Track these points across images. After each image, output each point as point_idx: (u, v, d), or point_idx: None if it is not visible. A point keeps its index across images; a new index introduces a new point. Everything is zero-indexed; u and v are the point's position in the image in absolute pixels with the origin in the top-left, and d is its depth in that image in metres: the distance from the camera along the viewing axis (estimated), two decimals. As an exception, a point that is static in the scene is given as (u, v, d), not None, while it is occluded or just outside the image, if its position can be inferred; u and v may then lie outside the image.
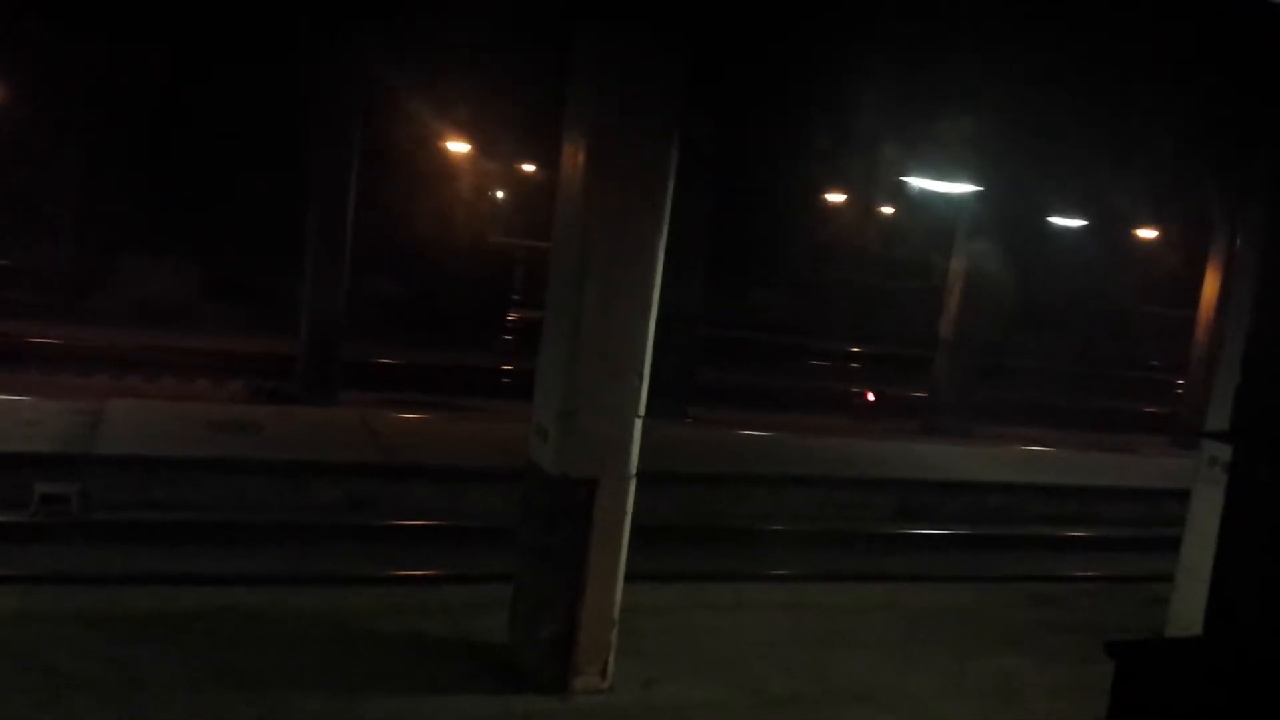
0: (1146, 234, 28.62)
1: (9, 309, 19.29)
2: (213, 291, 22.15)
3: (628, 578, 6.82)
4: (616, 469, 6.65)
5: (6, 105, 21.07)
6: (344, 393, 16.13)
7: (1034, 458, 17.23)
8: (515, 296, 26.26)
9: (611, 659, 6.81)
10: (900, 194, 23.12)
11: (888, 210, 30.59)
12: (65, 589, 7.90)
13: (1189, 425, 18.66)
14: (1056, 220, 24.51)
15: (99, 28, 16.66)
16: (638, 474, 6.74)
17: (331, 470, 11.73)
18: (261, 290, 21.02)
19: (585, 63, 6.63)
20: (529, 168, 30.06)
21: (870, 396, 21.37)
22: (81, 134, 21.58)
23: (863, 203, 30.08)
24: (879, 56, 9.55)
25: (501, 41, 12.84)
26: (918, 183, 17.82)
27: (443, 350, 20.75)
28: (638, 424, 6.68)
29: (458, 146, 23.63)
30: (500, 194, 31.61)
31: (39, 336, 17.86)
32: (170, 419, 12.84)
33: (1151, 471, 16.58)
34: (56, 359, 17.07)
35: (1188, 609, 7.92)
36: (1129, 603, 9.78)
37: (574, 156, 6.63)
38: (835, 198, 31.02)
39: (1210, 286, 20.39)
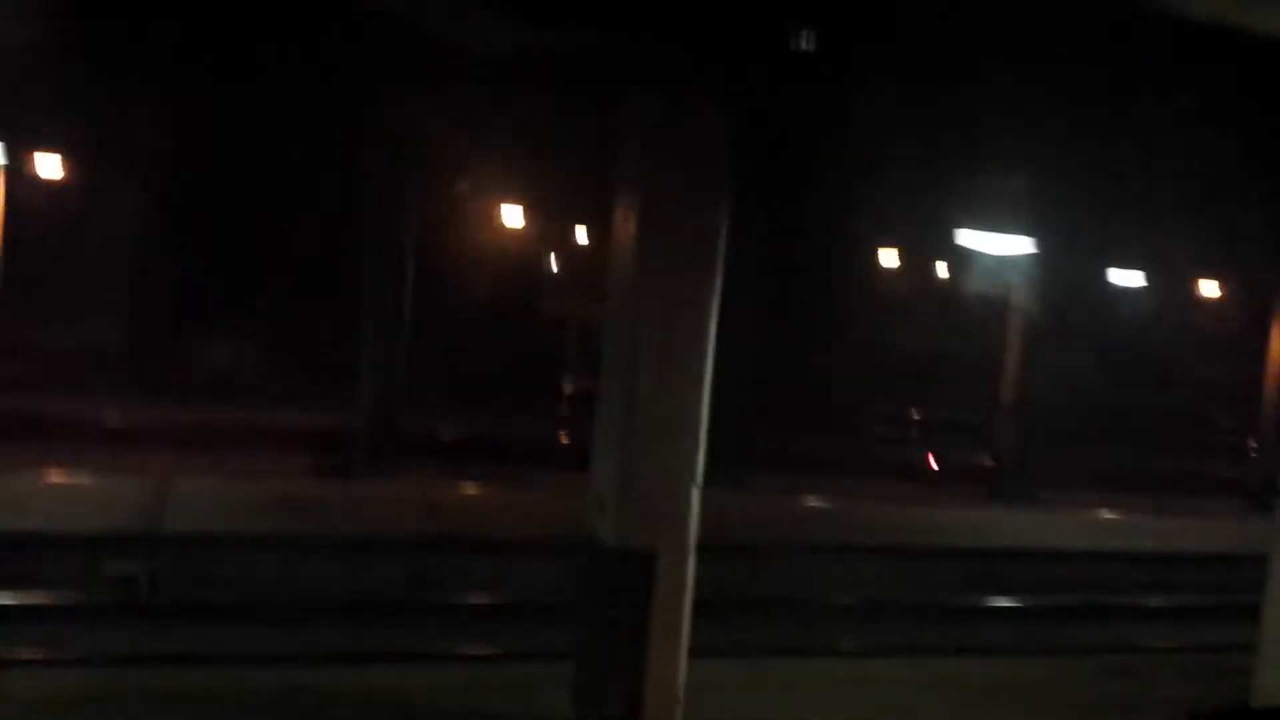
0: (1211, 291, 28.11)
1: (75, 389, 19.70)
2: (276, 368, 22.47)
3: (689, 653, 6.71)
4: (676, 539, 6.59)
5: (69, 184, 21.71)
6: (404, 465, 16.22)
7: (1103, 524, 16.84)
8: (570, 363, 26.36)
9: (677, 736, 6.70)
10: (958, 254, 23.00)
11: (945, 272, 30.35)
12: (134, 670, 7.96)
13: (1262, 486, 18.18)
14: (1116, 279, 24.19)
15: (160, 106, 17.18)
16: (698, 545, 6.67)
17: (392, 545, 11.77)
18: (325, 365, 21.31)
19: (636, 131, 6.69)
20: (583, 237, 30.34)
21: (932, 462, 21.08)
22: (143, 211, 22.12)
23: (921, 264, 29.91)
24: (934, 116, 9.56)
25: (554, 109, 13.05)
26: (974, 243, 17.70)
27: (500, 420, 20.83)
28: (696, 493, 6.63)
29: (512, 217, 23.93)
30: (555, 263, 31.87)
31: (106, 416, 18.20)
32: (235, 497, 12.99)
33: (1227, 535, 16.11)
34: (123, 438, 17.35)
35: (1272, 679, 7.64)
36: (1210, 673, 9.45)
37: (626, 223, 6.68)
38: (892, 259, 30.86)
39: (1277, 342, 19.98)
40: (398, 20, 9.59)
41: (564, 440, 20.24)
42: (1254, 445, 21.99)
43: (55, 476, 13.27)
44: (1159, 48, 7.23)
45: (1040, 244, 16.95)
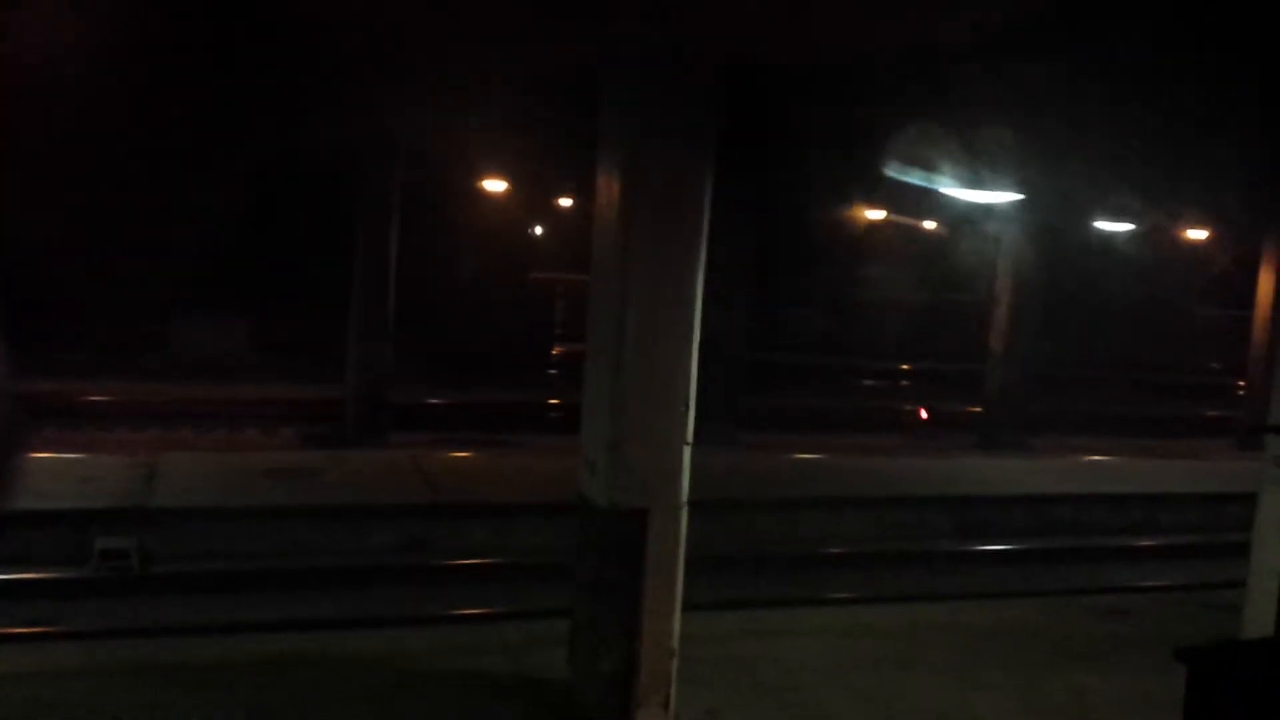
0: (1199, 235, 28.15)
1: (63, 367, 19.62)
2: (262, 344, 22.40)
3: (684, 607, 6.74)
4: (668, 498, 6.59)
5: (60, 164, 21.50)
6: (394, 434, 16.23)
7: (1094, 467, 16.94)
8: (558, 330, 26.37)
9: (673, 690, 6.72)
10: (942, 207, 22.95)
11: (930, 224, 30.35)
12: (127, 642, 7.98)
13: (1251, 426, 18.28)
14: (1104, 225, 24.18)
15: (148, 89, 17.02)
16: (690, 502, 6.68)
17: (384, 512, 11.79)
18: (309, 339, 21.26)
19: (617, 94, 6.63)
20: (566, 201, 30.25)
21: (923, 414, 21.15)
22: (130, 194, 21.95)
23: (903, 217, 29.88)
24: (916, 71, 9.49)
25: (534, 75, 12.93)
26: (959, 194, 17.65)
27: (489, 388, 20.83)
28: (687, 452, 6.62)
29: (495, 185, 23.83)
30: (539, 229, 31.79)
31: (93, 394, 18.15)
32: (224, 469, 12.98)
33: (1217, 475, 16.23)
34: (111, 415, 17.33)
35: (1261, 613, 7.70)
36: (1202, 611, 9.54)
37: (609, 187, 6.62)
38: (875, 213, 30.84)
39: (1266, 285, 20.03)
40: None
41: (554, 405, 20.26)
42: (1242, 385, 22.09)
43: (44, 454, 13.24)
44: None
45: (1027, 192, 16.90)
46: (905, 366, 27.24)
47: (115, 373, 19.99)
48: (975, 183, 16.47)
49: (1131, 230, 24.75)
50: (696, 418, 6.65)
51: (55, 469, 12.37)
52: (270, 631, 8.34)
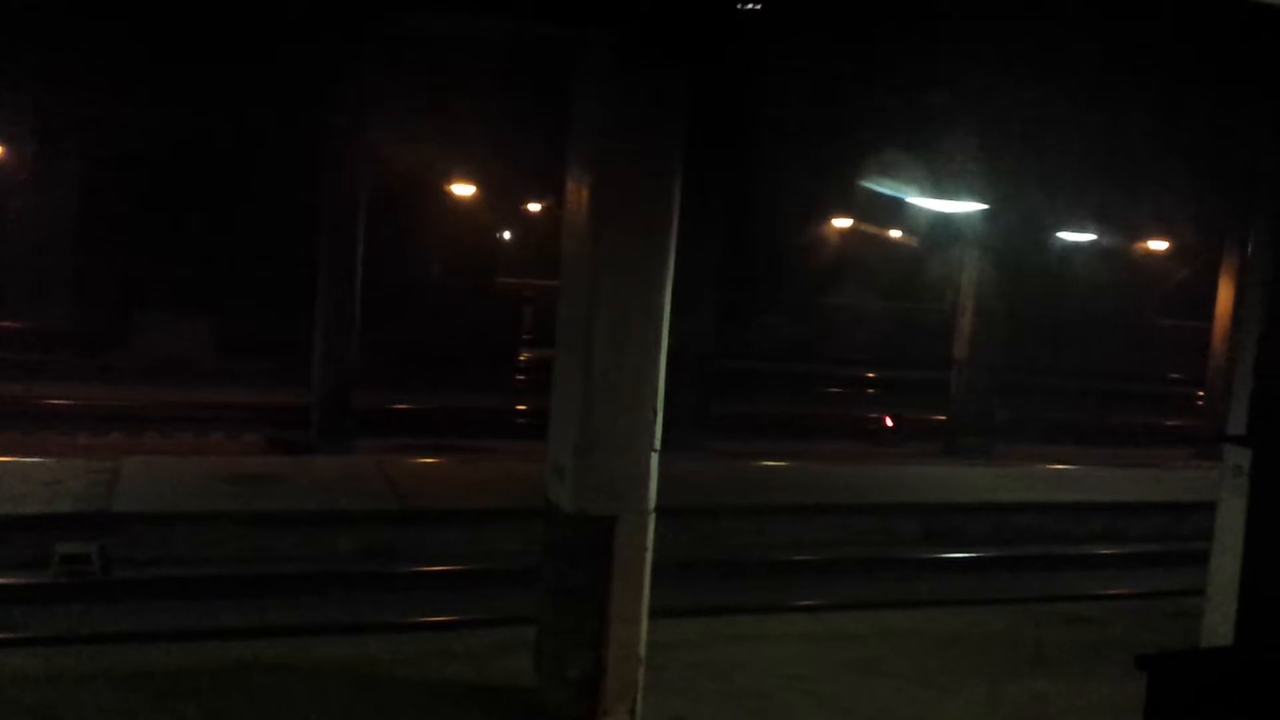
0: (1159, 246, 28.49)
1: (24, 370, 19.37)
2: (226, 347, 22.19)
3: (652, 613, 6.75)
4: (635, 504, 6.60)
5: (18, 165, 21.27)
6: (359, 440, 16.11)
7: (1057, 475, 17.09)
8: (526, 336, 26.30)
9: (640, 697, 6.73)
10: (908, 216, 23.10)
11: (897, 233, 30.55)
12: (89, 649, 7.87)
13: (1210, 435, 18.52)
14: (1067, 236, 24.41)
15: (110, 89, 16.88)
16: (657, 508, 6.68)
17: (349, 519, 11.71)
18: (275, 344, 21.06)
19: (586, 101, 6.65)
20: (535, 206, 30.23)
21: (888, 421, 21.27)
22: (92, 194, 21.73)
23: (870, 226, 30.07)
24: (878, 82, 9.56)
25: (505, 82, 12.94)
26: (924, 203, 17.78)
27: (456, 392, 20.72)
28: (654, 458, 6.64)
29: (463, 189, 23.77)
30: (507, 234, 31.69)
31: (54, 397, 17.91)
32: (187, 474, 12.85)
33: (1177, 485, 16.41)
34: (73, 419, 17.09)
35: (1220, 621, 7.80)
36: (1163, 619, 9.65)
37: (578, 194, 6.63)
38: (841, 222, 31.02)
39: (1225, 295, 20.30)
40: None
41: (521, 410, 20.20)
42: (1201, 396, 22.36)
43: (5, 458, 13.05)
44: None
45: (990, 202, 17.04)
46: (873, 374, 27.37)
47: (77, 375, 19.74)
48: (940, 192, 16.59)
49: (1093, 241, 25.00)
50: (664, 424, 6.67)
51: (16, 473, 12.20)
52: (233, 638, 8.25)
